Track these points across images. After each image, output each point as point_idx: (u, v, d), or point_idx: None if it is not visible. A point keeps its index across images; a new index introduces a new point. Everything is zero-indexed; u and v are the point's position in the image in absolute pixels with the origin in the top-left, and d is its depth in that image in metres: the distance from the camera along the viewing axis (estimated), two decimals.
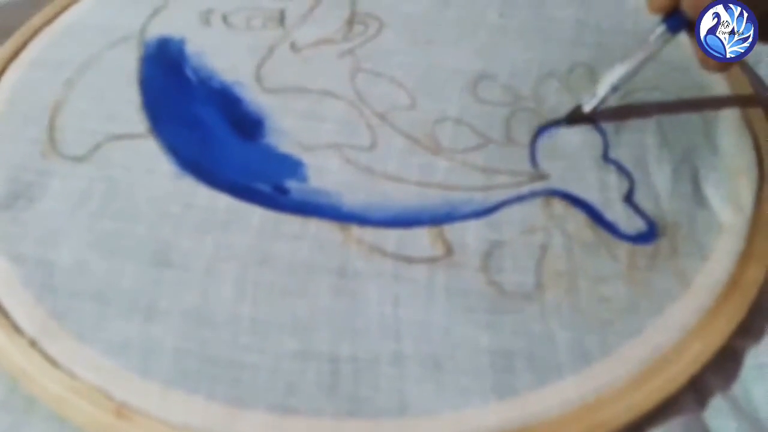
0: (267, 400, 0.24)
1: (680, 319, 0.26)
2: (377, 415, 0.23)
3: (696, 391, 0.25)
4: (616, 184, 0.30)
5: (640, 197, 0.30)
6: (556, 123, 0.32)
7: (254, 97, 0.33)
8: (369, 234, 0.28)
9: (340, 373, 0.24)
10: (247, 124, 0.32)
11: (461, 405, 0.24)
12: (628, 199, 0.30)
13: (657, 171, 0.30)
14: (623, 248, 0.28)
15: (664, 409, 0.24)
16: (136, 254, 0.27)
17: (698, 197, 0.30)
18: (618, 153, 0.31)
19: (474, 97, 0.34)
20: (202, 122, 0.32)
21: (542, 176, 0.30)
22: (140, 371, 0.24)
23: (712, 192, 0.30)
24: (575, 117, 0.32)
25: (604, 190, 0.30)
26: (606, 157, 0.31)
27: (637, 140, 0.32)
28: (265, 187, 0.30)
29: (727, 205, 0.29)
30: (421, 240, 0.28)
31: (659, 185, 0.30)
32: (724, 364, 0.26)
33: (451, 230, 0.28)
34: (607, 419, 0.23)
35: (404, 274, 0.27)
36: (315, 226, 0.28)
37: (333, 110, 0.33)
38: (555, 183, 0.30)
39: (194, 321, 0.26)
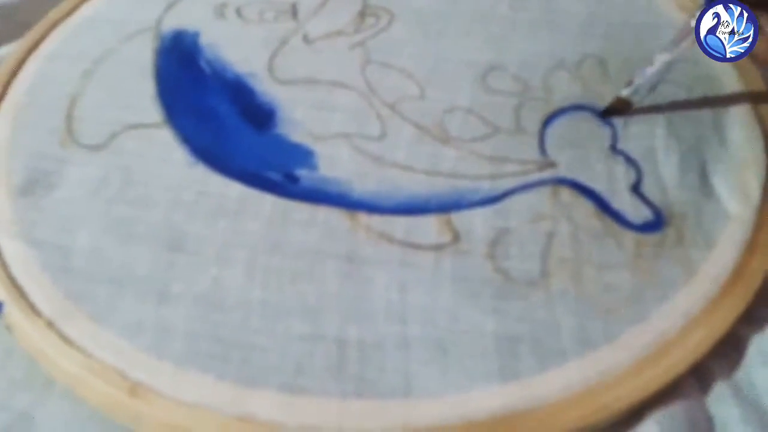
0: (276, 380, 0.24)
1: (684, 306, 0.26)
2: (383, 395, 0.24)
3: (699, 377, 0.25)
4: (623, 174, 0.30)
5: (648, 187, 0.30)
6: (564, 110, 0.33)
7: (267, 88, 0.34)
8: (377, 221, 0.29)
9: (347, 355, 0.25)
10: (259, 115, 0.33)
11: (465, 387, 0.24)
12: (636, 188, 0.30)
13: (665, 162, 0.30)
14: (629, 237, 0.28)
15: (667, 394, 0.24)
16: (150, 240, 0.28)
17: (705, 188, 0.30)
18: (627, 144, 0.31)
19: (483, 88, 0.34)
20: (215, 113, 0.33)
21: (551, 165, 0.31)
22: (154, 352, 0.25)
23: (719, 182, 0.30)
24: (613, 110, 0.32)
25: (611, 180, 0.30)
26: (614, 148, 0.31)
27: (646, 131, 0.32)
28: (276, 176, 0.30)
29: (735, 195, 0.29)
30: (428, 227, 0.29)
31: (667, 176, 0.30)
32: (728, 351, 0.26)
33: (459, 218, 0.29)
34: (609, 403, 0.24)
35: (411, 261, 0.27)
36: (324, 213, 0.29)
37: (344, 101, 0.33)
38: (563, 172, 0.30)
39: (206, 304, 0.26)
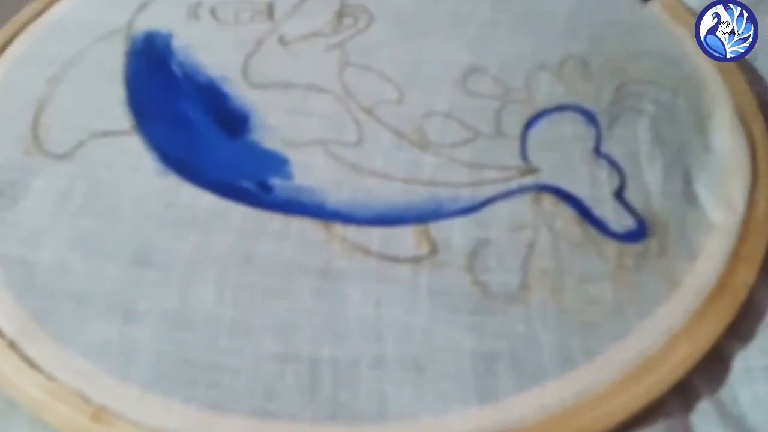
0: (246, 404, 0.23)
1: (667, 321, 0.25)
2: (357, 419, 0.23)
3: (683, 395, 0.25)
4: (607, 180, 0.29)
5: (631, 194, 0.29)
6: (547, 112, 0.32)
7: (241, 92, 0.33)
8: (353, 232, 0.28)
9: (321, 375, 0.24)
10: (232, 120, 0.32)
11: (442, 409, 0.23)
12: (619, 195, 0.29)
13: (649, 168, 0.30)
14: (611, 247, 0.27)
15: (650, 413, 0.24)
16: (116, 254, 0.27)
17: (689, 196, 0.29)
18: (610, 147, 0.31)
19: (464, 91, 0.33)
20: (187, 119, 0.32)
21: (532, 170, 0.30)
22: (118, 374, 0.24)
23: (703, 191, 0.29)
24: None
25: (594, 186, 0.29)
26: (598, 151, 0.31)
27: (630, 135, 0.31)
28: (249, 185, 0.29)
29: (719, 204, 0.28)
30: (405, 238, 0.28)
31: (650, 182, 0.29)
32: (712, 367, 0.25)
33: (437, 228, 0.28)
34: (588, 424, 0.23)
35: (387, 274, 0.27)
36: (298, 224, 0.28)
37: (320, 105, 0.32)
38: (545, 177, 0.30)
39: (174, 323, 0.25)
